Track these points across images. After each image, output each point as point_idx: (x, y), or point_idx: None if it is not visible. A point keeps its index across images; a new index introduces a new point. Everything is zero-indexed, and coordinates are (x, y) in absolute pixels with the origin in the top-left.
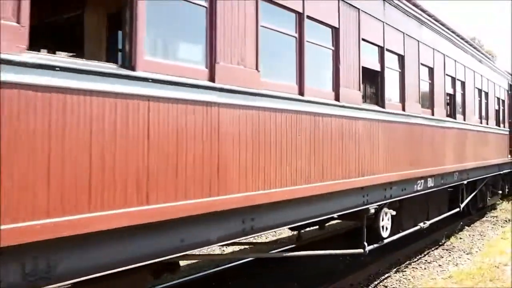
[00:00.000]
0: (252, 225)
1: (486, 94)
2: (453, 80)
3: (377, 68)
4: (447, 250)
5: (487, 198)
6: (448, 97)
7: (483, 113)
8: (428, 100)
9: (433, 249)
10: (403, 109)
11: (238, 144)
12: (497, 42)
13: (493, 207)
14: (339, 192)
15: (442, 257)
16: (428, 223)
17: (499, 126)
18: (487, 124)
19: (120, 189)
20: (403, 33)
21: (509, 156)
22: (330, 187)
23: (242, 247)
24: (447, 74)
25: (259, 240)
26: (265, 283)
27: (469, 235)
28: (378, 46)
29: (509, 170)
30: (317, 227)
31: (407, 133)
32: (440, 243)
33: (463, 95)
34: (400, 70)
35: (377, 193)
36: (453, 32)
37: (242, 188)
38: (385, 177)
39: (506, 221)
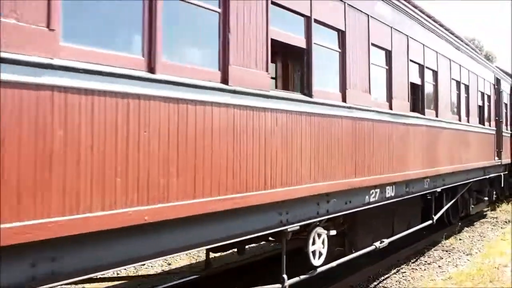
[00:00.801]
0: None
1: (467, 87)
2: (421, 68)
3: (301, 43)
4: (446, 251)
5: (470, 206)
6: (413, 89)
7: (463, 109)
8: (383, 91)
9: (432, 250)
10: (344, 100)
11: None
12: (497, 42)
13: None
14: (237, 210)
15: (442, 258)
16: (386, 241)
17: (484, 124)
18: (468, 122)
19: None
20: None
21: (496, 158)
22: (212, 205)
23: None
24: (412, 61)
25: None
26: None
27: (469, 236)
28: (301, 14)
29: (497, 174)
30: (235, 249)
31: (349, 130)
32: (440, 244)
33: (435, 86)
34: (340, 50)
35: (304, 209)
36: (421, 11)
37: None
38: (315, 188)
39: (506, 222)
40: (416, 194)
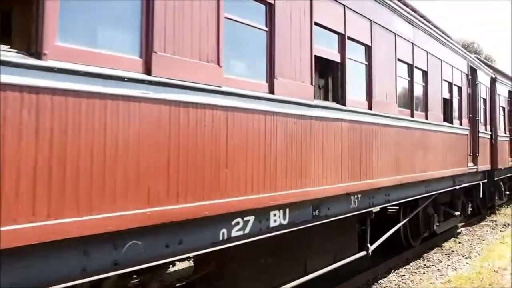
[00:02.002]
0: None
1: (425, 74)
2: (341, 38)
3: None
4: (446, 254)
5: (433, 224)
6: (326, 67)
7: (418, 102)
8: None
9: (432, 253)
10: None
11: None
12: (496, 45)
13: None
14: None
15: (441, 261)
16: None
17: (451, 122)
18: (426, 118)
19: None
20: None
21: (470, 164)
22: None
23: None
24: (318, 24)
25: None
26: None
27: (468, 239)
28: None
29: (473, 183)
30: None
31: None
32: (439, 247)
33: (369, 67)
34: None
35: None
36: None
37: None
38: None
39: (505, 225)
40: (334, 218)
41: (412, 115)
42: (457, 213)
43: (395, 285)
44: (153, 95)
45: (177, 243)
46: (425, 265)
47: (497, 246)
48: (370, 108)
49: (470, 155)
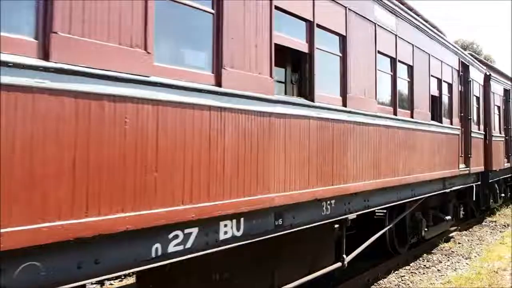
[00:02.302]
0: None
1: (410, 68)
2: (309, 26)
3: None
4: (445, 255)
5: (422, 230)
6: (296, 60)
7: (402, 99)
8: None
9: (431, 253)
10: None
11: None
12: (496, 46)
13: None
14: None
15: (441, 262)
16: None
17: (441, 121)
18: (412, 116)
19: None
20: None
21: (462, 165)
22: None
23: None
24: (279, 8)
25: None
26: None
27: (468, 240)
28: None
29: (466, 186)
30: None
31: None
32: (439, 248)
33: (343, 60)
34: None
35: None
36: None
37: None
38: None
39: (504, 225)
40: (299, 228)
41: (395, 113)
42: (448, 217)
43: (395, 285)
44: (50, 84)
45: (93, 263)
46: (424, 265)
47: (496, 247)
48: (344, 104)
49: (461, 156)
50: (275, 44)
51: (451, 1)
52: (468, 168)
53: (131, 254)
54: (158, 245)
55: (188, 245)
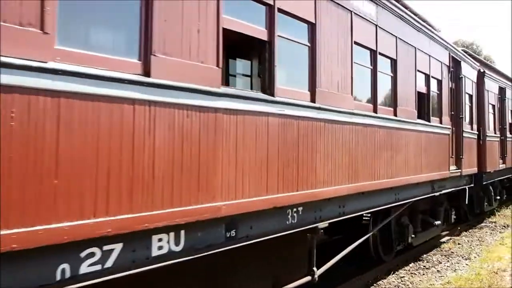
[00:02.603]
0: None
1: (393, 62)
2: (269, 10)
3: None
4: (445, 255)
5: (409, 236)
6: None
7: (384, 96)
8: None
9: (431, 254)
10: None
11: None
12: (496, 46)
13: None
14: None
15: (441, 263)
16: None
17: (428, 120)
18: (396, 115)
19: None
20: None
21: (453, 167)
22: None
23: None
24: None
25: None
26: None
27: (468, 240)
28: None
29: (457, 189)
30: None
31: None
32: (439, 249)
33: (312, 50)
34: None
35: None
36: None
37: None
38: None
39: (504, 226)
40: (258, 240)
41: (375, 111)
42: (438, 222)
43: (395, 286)
44: None
45: None
46: (424, 266)
47: (496, 248)
48: (313, 100)
49: (452, 157)
50: (226, 30)
51: (451, 1)
52: (459, 170)
53: (27, 276)
54: (65, 265)
55: (109, 264)
